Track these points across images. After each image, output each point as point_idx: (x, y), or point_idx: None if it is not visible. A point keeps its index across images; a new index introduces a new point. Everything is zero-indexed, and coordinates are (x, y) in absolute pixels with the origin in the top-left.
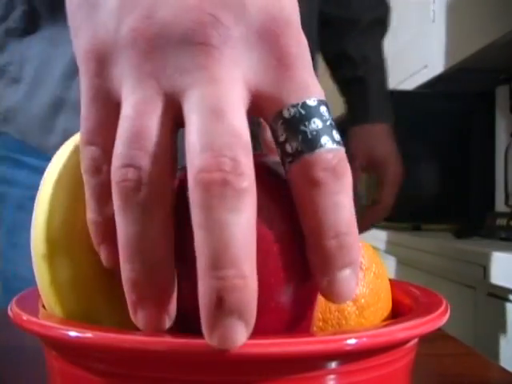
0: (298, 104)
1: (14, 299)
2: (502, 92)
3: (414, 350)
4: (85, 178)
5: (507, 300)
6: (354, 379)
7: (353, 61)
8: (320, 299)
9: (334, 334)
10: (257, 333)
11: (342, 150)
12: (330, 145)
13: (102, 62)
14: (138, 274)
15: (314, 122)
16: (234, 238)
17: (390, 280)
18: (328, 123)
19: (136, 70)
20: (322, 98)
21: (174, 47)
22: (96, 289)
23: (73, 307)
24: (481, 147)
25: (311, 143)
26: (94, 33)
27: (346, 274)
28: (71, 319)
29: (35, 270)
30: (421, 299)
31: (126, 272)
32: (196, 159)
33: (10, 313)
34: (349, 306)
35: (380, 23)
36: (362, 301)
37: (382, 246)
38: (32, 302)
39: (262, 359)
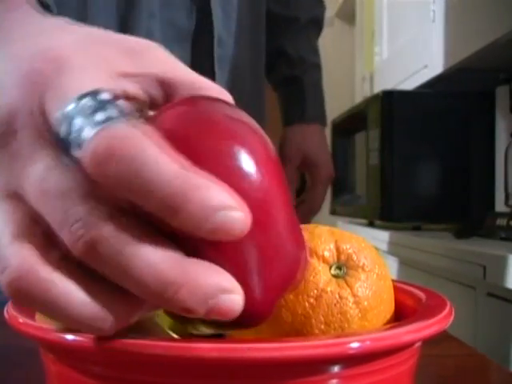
0: (61, 117)
1: (10, 301)
2: (502, 92)
3: (418, 352)
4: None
5: (507, 300)
6: (358, 383)
7: (290, 60)
8: (322, 303)
9: (337, 337)
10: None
11: (110, 126)
12: (92, 133)
13: None
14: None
15: (76, 123)
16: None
17: (392, 281)
18: (89, 112)
19: None
20: (83, 91)
21: None
22: None
23: None
24: (481, 147)
25: (79, 145)
26: None
27: (219, 219)
28: None
29: None
30: (424, 301)
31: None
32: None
33: (6, 315)
34: (351, 309)
35: (316, 23)
36: (365, 303)
37: (381, 245)
38: None
39: (264, 363)
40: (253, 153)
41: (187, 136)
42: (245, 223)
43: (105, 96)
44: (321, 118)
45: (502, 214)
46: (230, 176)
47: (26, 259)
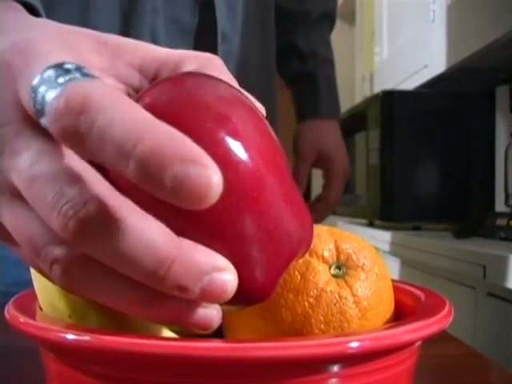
0: (29, 92)
1: (11, 301)
2: (502, 92)
3: (417, 352)
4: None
5: (507, 300)
6: (357, 382)
7: (302, 55)
8: (321, 302)
9: (337, 336)
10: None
11: (72, 84)
12: (53, 94)
13: None
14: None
15: (40, 91)
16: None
17: (392, 281)
18: (53, 79)
19: None
20: (48, 65)
21: None
22: None
23: (77, 299)
24: (481, 147)
25: (43, 108)
26: None
27: (179, 171)
28: (76, 312)
29: (33, 271)
30: (424, 301)
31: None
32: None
33: (6, 315)
34: (351, 309)
35: (329, 18)
36: (365, 303)
37: (381, 245)
38: (29, 304)
39: (263, 363)
40: (238, 132)
41: (167, 119)
42: (214, 182)
43: (69, 66)
44: (335, 113)
45: (501, 214)
46: (215, 158)
47: (69, 249)
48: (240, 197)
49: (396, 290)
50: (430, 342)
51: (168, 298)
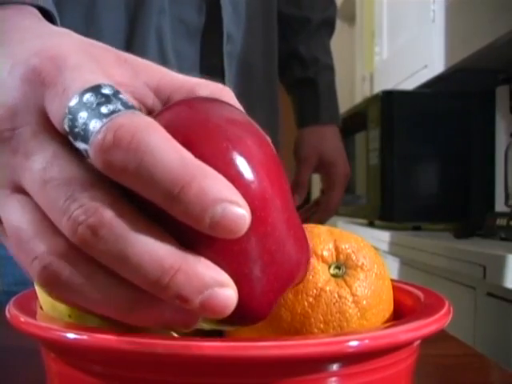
0: (64, 112)
1: (12, 301)
2: (502, 92)
3: (417, 351)
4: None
5: (507, 300)
6: (356, 381)
7: (303, 61)
8: (321, 302)
9: (336, 336)
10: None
11: (117, 117)
12: (99, 125)
13: None
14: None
15: (81, 117)
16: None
17: (391, 280)
18: (94, 106)
19: None
20: (85, 86)
21: None
22: None
23: None
24: (481, 147)
25: (86, 137)
26: None
27: (218, 212)
28: (76, 312)
29: None
30: (423, 300)
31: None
32: (63, 230)
33: (7, 314)
34: (350, 308)
35: (329, 24)
36: (364, 302)
37: (381, 245)
38: (29, 304)
39: (263, 362)
40: (250, 155)
41: (183, 139)
42: (245, 220)
43: (106, 90)
44: (335, 119)
45: (501, 214)
46: (227, 178)
47: (56, 246)
48: None
49: (395, 289)
50: (429, 341)
51: (153, 301)
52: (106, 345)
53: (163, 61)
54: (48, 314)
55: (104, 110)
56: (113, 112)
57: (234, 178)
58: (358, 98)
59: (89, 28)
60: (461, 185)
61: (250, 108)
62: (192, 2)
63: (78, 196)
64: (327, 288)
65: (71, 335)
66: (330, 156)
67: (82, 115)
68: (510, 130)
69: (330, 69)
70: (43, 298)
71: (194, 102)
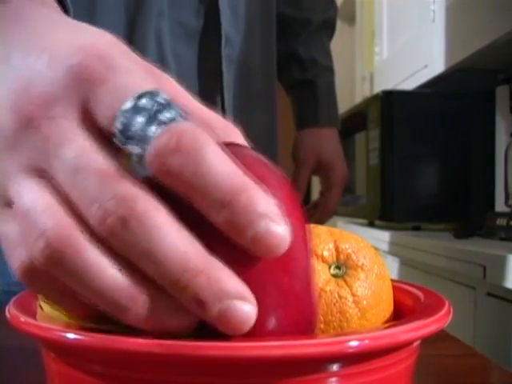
0: (116, 113)
1: (12, 301)
2: (502, 92)
3: (417, 351)
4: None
5: (507, 300)
6: (356, 381)
7: (302, 63)
8: (321, 302)
9: (336, 336)
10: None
11: (178, 125)
12: (159, 131)
13: None
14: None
15: (138, 121)
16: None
17: (391, 280)
18: (153, 112)
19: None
20: (140, 91)
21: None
22: None
23: None
24: (481, 147)
25: (144, 142)
26: None
27: (262, 226)
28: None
29: None
30: (423, 300)
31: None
32: (89, 219)
33: (7, 314)
34: (351, 308)
35: (329, 25)
36: (364, 302)
37: (381, 245)
38: (29, 304)
39: (262, 361)
40: (278, 196)
41: None
42: (285, 239)
43: (162, 98)
44: (334, 121)
45: (501, 214)
46: None
47: (64, 226)
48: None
49: (395, 289)
50: (429, 341)
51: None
52: (106, 345)
53: (162, 63)
54: (48, 315)
55: (163, 117)
56: (172, 120)
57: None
58: (358, 98)
59: None
60: (461, 185)
61: (248, 110)
62: (190, 5)
63: (111, 187)
64: (327, 288)
65: (71, 335)
66: (328, 158)
67: (140, 120)
68: (510, 129)
69: (329, 71)
70: (43, 298)
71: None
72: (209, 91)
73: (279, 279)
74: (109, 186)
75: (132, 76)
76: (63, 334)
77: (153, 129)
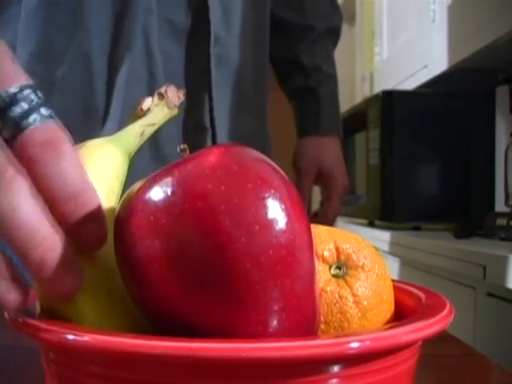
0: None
1: None
2: (502, 92)
3: (418, 352)
4: None
5: (507, 300)
6: (357, 383)
7: (305, 70)
8: (321, 302)
9: (337, 337)
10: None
11: (54, 123)
12: (39, 121)
13: None
14: None
15: (20, 106)
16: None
17: (392, 281)
18: (34, 103)
19: None
20: (26, 82)
21: None
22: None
23: (76, 300)
24: (481, 147)
25: (20, 125)
26: None
27: (89, 228)
28: (76, 314)
29: None
30: (424, 301)
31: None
32: None
33: (6, 315)
34: (351, 309)
35: (333, 33)
36: (365, 303)
37: (381, 245)
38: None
39: (263, 363)
40: (282, 198)
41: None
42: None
43: (40, 94)
44: (336, 130)
45: (501, 214)
46: (261, 222)
47: None
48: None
49: (396, 290)
50: (430, 341)
51: None
52: (106, 346)
53: (149, 60)
54: (47, 315)
55: (45, 112)
56: (49, 117)
57: (267, 221)
58: (358, 98)
59: (75, 27)
60: (461, 185)
61: (237, 111)
62: (179, 3)
63: None
64: (328, 288)
65: (70, 336)
66: (330, 168)
67: (23, 105)
68: (510, 129)
69: (332, 78)
70: (42, 298)
71: (229, 147)
72: (197, 90)
73: (283, 282)
74: None
75: (6, 65)
76: (62, 335)
77: (33, 118)
